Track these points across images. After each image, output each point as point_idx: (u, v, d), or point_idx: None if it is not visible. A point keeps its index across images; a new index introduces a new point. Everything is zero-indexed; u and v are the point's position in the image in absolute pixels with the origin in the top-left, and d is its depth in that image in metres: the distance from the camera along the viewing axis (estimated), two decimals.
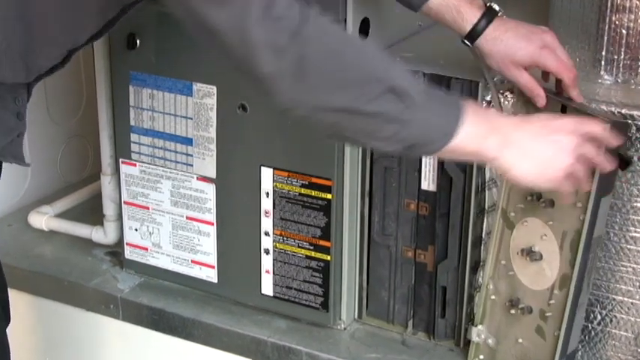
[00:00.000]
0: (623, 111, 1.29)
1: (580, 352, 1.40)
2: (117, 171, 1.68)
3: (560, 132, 1.16)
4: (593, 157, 1.17)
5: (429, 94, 1.11)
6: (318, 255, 1.52)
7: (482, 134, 1.12)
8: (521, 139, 1.14)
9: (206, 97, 1.54)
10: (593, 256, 1.30)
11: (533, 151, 1.14)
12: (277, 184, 1.52)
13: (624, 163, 1.25)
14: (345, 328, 1.56)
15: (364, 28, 1.43)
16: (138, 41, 1.56)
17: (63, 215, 1.88)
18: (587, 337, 1.40)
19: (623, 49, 1.38)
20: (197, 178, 1.59)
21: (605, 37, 1.38)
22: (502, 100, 1.38)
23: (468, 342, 1.45)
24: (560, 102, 1.29)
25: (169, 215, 1.64)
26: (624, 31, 1.37)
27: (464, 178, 1.40)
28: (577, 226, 1.27)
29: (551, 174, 1.15)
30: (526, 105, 1.33)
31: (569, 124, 1.17)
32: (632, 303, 1.35)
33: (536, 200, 1.32)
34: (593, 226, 1.26)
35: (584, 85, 1.38)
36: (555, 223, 1.30)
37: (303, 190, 1.50)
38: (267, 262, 1.57)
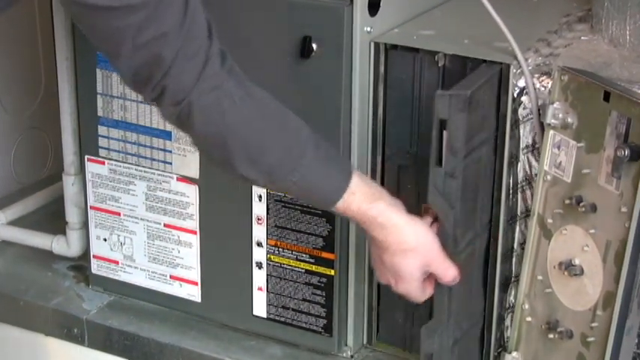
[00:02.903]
0: None
1: None
2: (82, 170, 1.72)
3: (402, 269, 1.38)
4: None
5: (297, 182, 1.34)
6: (320, 269, 1.56)
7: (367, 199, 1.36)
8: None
9: None
10: None
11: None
12: None
13: (636, 154, 1.28)
14: (351, 356, 1.59)
15: (375, 2, 1.47)
16: None
17: (17, 223, 1.92)
18: None
19: None
20: (177, 179, 1.63)
21: None
22: (538, 85, 1.42)
23: None
24: (604, 87, 1.32)
25: (144, 222, 1.68)
26: None
27: (490, 180, 1.45)
28: (622, 235, 1.30)
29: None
30: (574, 92, 1.36)
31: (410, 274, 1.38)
32: None
33: (576, 204, 1.35)
34: None
35: (635, 67, 1.42)
36: (598, 231, 1.33)
37: None
38: (259, 277, 1.61)
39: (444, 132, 1.33)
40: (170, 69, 1.24)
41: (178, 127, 1.33)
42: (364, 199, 1.35)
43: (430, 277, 1.39)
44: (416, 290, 1.39)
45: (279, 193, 1.54)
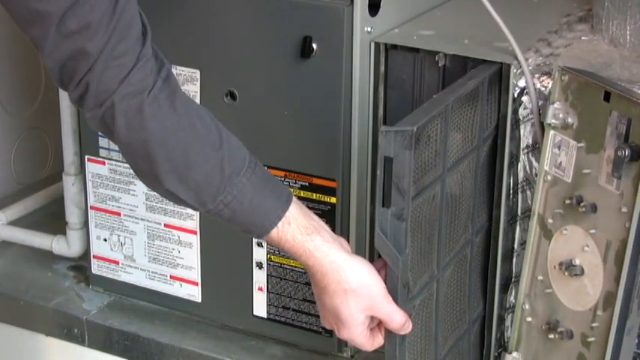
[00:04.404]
0: None
1: None
2: (82, 170, 1.72)
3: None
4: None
5: (229, 204, 1.25)
6: None
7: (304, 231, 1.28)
8: None
9: (188, 82, 1.58)
10: None
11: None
12: None
13: (637, 154, 1.28)
14: (351, 356, 1.59)
15: (375, 2, 1.47)
16: None
17: (17, 223, 1.92)
18: None
19: None
20: None
21: None
22: (538, 85, 1.42)
23: None
24: (604, 88, 1.32)
25: (144, 222, 1.69)
26: None
27: (492, 180, 1.45)
28: (622, 235, 1.30)
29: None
30: (574, 92, 1.37)
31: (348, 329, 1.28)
32: None
33: (576, 204, 1.36)
34: None
35: (635, 67, 1.43)
36: (598, 231, 1.34)
37: (302, 193, 1.54)
38: (259, 277, 1.61)
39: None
40: (94, 65, 1.19)
41: (104, 133, 1.25)
42: (300, 231, 1.27)
43: (381, 324, 1.29)
44: (360, 337, 1.28)
45: None
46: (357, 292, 1.25)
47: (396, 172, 1.22)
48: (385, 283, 1.27)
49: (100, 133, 1.66)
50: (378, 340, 1.29)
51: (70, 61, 1.19)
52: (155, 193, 1.62)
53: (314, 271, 1.27)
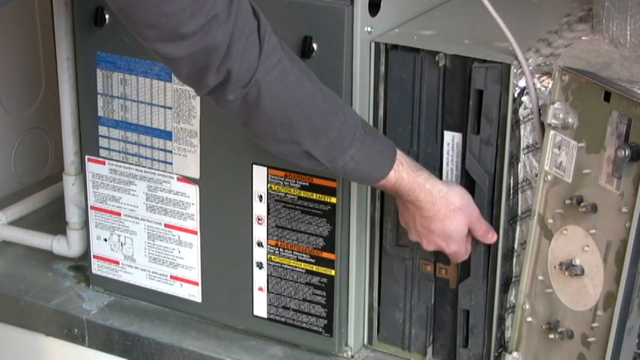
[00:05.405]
0: None
1: None
2: (82, 170, 1.72)
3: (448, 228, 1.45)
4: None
5: (353, 158, 1.38)
6: (321, 269, 1.56)
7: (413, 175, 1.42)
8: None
9: None
10: None
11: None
12: (272, 186, 1.56)
13: (637, 154, 1.28)
14: (352, 356, 1.60)
15: (375, 2, 1.47)
16: (107, 16, 1.60)
17: (18, 223, 1.92)
18: None
19: None
20: (177, 179, 1.63)
21: None
22: (539, 86, 1.42)
23: None
24: (604, 88, 1.32)
25: (145, 222, 1.69)
26: None
27: (491, 181, 1.45)
28: (623, 236, 1.31)
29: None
30: (575, 92, 1.37)
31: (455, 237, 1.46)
32: None
33: (577, 204, 1.36)
34: None
35: (635, 67, 1.43)
36: (598, 231, 1.34)
37: (302, 193, 1.54)
38: (260, 277, 1.62)
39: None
40: (230, 50, 1.26)
41: (239, 114, 1.33)
42: (411, 169, 1.41)
43: (467, 237, 1.47)
44: (464, 249, 1.47)
45: (280, 193, 1.55)
46: (462, 210, 1.44)
47: (485, 103, 1.41)
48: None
49: (100, 133, 1.66)
50: (469, 250, 1.49)
51: (200, 55, 1.25)
52: (155, 194, 1.63)
53: (424, 202, 1.42)
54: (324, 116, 1.35)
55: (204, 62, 1.27)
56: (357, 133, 1.37)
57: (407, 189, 1.41)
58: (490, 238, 1.46)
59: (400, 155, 1.41)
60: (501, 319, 1.51)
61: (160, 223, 1.67)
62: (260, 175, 1.56)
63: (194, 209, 1.63)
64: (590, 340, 1.37)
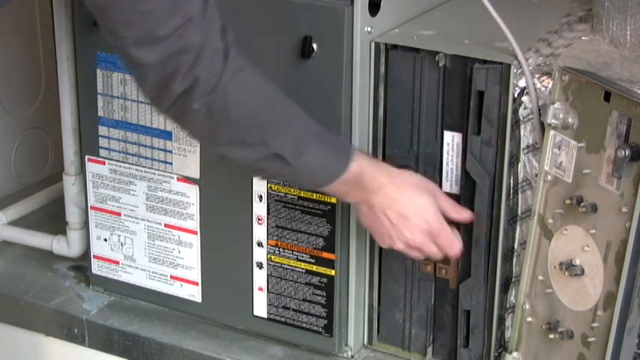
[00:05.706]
0: None
1: None
2: (82, 170, 1.73)
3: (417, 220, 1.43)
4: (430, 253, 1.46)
5: (314, 154, 1.38)
6: (321, 269, 1.56)
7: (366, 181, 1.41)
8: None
9: None
10: None
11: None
12: (272, 186, 1.56)
13: (637, 154, 1.28)
14: (352, 356, 1.60)
15: (375, 2, 1.47)
16: None
17: (18, 223, 1.93)
18: None
19: None
20: (177, 179, 1.64)
21: None
22: (539, 86, 1.42)
23: None
24: (604, 88, 1.33)
25: (144, 222, 1.69)
26: None
27: (491, 181, 1.45)
28: (623, 236, 1.31)
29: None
30: (575, 92, 1.37)
31: (427, 224, 1.43)
32: None
33: (577, 204, 1.36)
34: None
35: (635, 67, 1.43)
36: (598, 231, 1.34)
37: (302, 193, 1.54)
38: (260, 277, 1.62)
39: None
40: (201, 53, 1.26)
41: (202, 124, 1.33)
42: (366, 156, 1.43)
43: (452, 226, 1.45)
44: (451, 233, 1.44)
45: (280, 193, 1.55)
46: (422, 185, 1.45)
47: (486, 104, 1.41)
48: (474, 202, 1.46)
49: (100, 133, 1.66)
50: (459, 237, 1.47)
51: (171, 58, 1.25)
52: (155, 194, 1.63)
53: (388, 184, 1.42)
54: (288, 114, 1.37)
55: (173, 67, 1.26)
56: (314, 129, 1.39)
57: (371, 175, 1.40)
58: (464, 214, 1.45)
59: (358, 149, 1.43)
60: (501, 319, 1.51)
61: (160, 223, 1.67)
62: None
63: (194, 209, 1.63)
64: (590, 340, 1.37)
